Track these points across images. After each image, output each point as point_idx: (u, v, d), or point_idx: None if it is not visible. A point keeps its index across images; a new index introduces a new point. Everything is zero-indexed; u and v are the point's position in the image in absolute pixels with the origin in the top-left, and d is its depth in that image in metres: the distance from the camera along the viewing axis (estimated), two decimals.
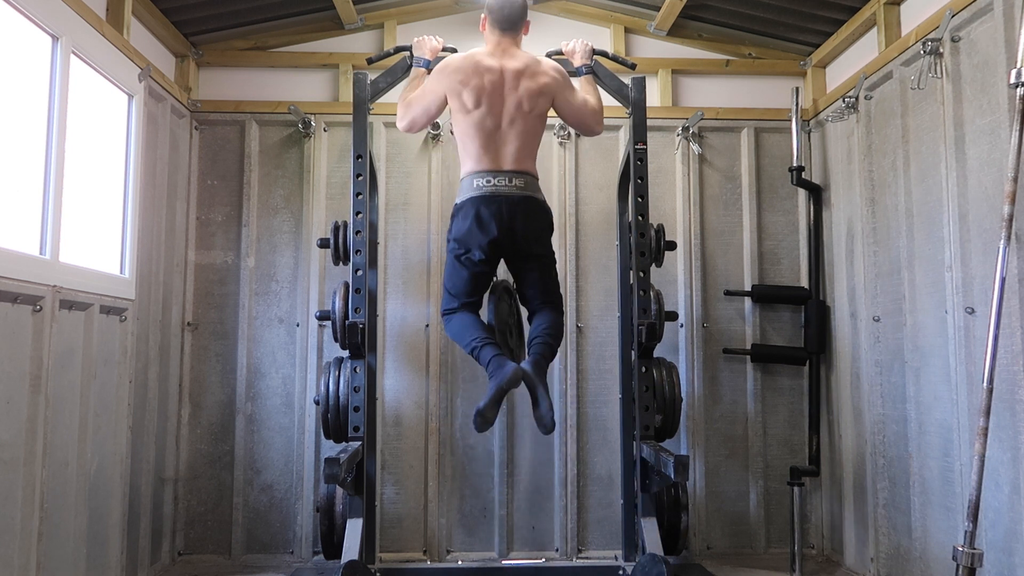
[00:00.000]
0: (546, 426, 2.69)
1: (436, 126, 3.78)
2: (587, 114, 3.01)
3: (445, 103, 2.91)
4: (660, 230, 3.40)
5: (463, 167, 2.89)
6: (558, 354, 3.12)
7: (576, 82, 3.13)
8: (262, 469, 3.69)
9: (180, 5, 3.43)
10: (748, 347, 3.84)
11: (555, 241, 3.78)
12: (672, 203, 3.92)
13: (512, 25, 2.90)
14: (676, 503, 3.28)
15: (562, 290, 3.76)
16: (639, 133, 3.24)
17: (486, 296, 3.07)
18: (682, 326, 3.83)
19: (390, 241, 3.82)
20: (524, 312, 3.12)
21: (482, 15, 2.97)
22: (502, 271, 3.07)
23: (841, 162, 3.68)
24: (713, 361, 3.86)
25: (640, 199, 3.19)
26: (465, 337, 2.85)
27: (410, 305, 3.79)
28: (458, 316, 2.91)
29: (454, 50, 3.22)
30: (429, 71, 3.07)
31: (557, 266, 3.74)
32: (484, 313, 3.06)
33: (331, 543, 3.14)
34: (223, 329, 3.74)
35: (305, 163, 3.83)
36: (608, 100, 3.41)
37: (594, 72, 3.17)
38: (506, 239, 2.80)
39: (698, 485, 3.77)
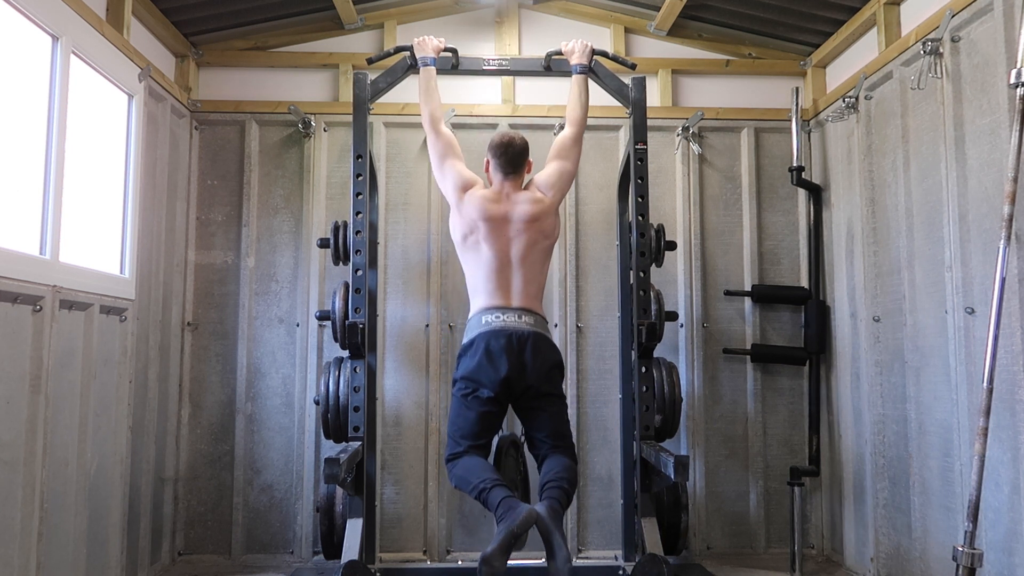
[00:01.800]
0: None
1: None
2: (567, 144, 2.96)
3: (461, 187, 2.87)
4: (660, 230, 3.40)
5: (472, 305, 2.84)
6: None
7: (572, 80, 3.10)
8: (262, 469, 3.69)
9: (180, 5, 3.43)
10: (748, 347, 3.83)
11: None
12: (672, 203, 3.92)
13: (515, 168, 2.89)
14: (676, 503, 3.29)
15: (562, 290, 3.80)
16: (639, 133, 3.24)
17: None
18: (682, 326, 3.83)
19: (390, 241, 3.82)
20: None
21: (485, 158, 2.96)
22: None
23: (841, 162, 3.68)
24: (713, 361, 3.86)
25: (640, 199, 3.20)
26: (472, 480, 2.57)
27: (410, 305, 3.79)
28: (463, 459, 2.66)
29: (454, 50, 3.23)
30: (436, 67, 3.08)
31: (556, 265, 3.79)
32: None
33: (331, 543, 3.14)
34: (223, 329, 3.74)
35: (305, 163, 3.83)
36: (608, 100, 3.42)
37: (591, 71, 3.15)
38: (516, 373, 2.66)
39: (698, 485, 3.77)
